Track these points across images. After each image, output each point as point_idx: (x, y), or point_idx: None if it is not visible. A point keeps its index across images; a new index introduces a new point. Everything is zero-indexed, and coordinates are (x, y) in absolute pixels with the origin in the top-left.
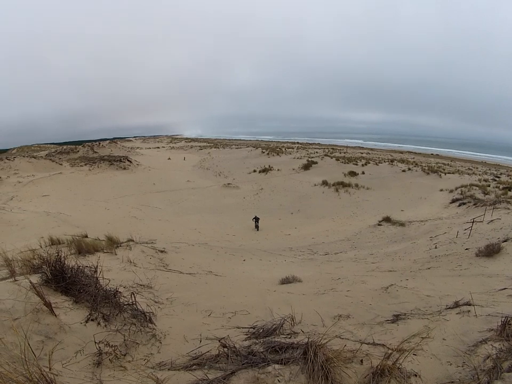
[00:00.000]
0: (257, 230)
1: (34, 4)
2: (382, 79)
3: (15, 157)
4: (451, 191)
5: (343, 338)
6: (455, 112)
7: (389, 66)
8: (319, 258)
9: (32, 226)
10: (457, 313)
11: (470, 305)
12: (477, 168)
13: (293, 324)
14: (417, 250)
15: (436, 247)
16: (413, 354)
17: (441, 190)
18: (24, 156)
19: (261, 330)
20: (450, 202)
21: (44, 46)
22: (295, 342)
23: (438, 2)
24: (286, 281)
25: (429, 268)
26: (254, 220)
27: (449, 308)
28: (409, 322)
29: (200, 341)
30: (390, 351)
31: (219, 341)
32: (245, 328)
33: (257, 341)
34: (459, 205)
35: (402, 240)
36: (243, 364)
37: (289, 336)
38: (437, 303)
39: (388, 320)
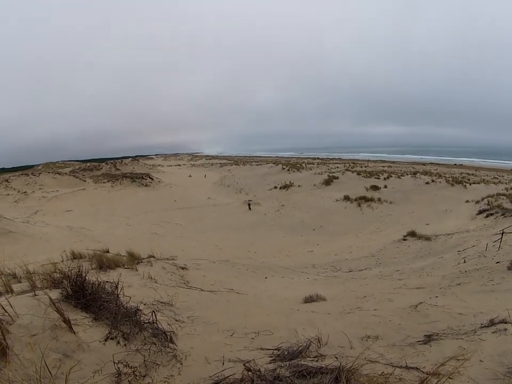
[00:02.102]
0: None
1: (61, 34)
2: (400, 92)
3: (40, 173)
4: (477, 202)
5: (373, 362)
6: (476, 120)
7: (408, 80)
8: (343, 276)
9: (54, 240)
10: (493, 332)
11: (506, 323)
12: (502, 176)
13: (319, 346)
14: (445, 265)
15: (464, 262)
16: (449, 378)
17: (467, 201)
18: (49, 172)
19: (286, 353)
20: (477, 214)
21: (71, 71)
22: (324, 366)
23: (454, 18)
24: (309, 299)
25: (459, 284)
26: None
27: (484, 327)
28: (442, 343)
29: (223, 363)
30: (425, 376)
31: (244, 364)
32: (269, 349)
33: (282, 364)
34: (486, 216)
35: (429, 255)
36: None
37: (316, 359)
38: (470, 322)
39: (420, 341)
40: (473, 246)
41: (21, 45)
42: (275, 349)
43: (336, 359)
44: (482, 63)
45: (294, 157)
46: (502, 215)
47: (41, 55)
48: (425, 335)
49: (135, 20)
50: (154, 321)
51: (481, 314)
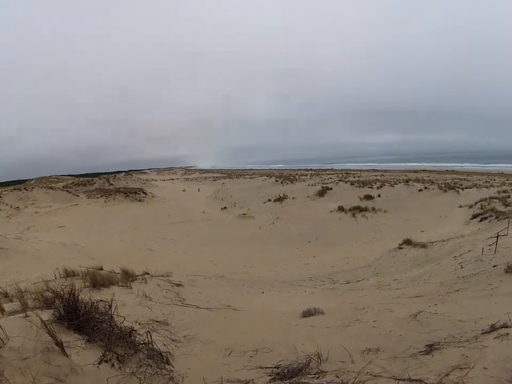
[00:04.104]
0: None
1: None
2: (390, 100)
3: (33, 188)
4: (471, 207)
5: (375, 376)
6: (467, 126)
7: (398, 88)
8: (340, 288)
9: (47, 257)
10: (495, 338)
11: (507, 327)
12: (494, 179)
13: (319, 362)
14: (443, 272)
15: (461, 267)
16: None
17: (461, 206)
18: (42, 187)
19: (286, 371)
20: (471, 218)
21: (67, 85)
22: (325, 383)
23: (445, 27)
24: (308, 313)
25: (457, 290)
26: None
27: (485, 333)
28: (445, 352)
29: None
30: None
31: None
32: (269, 368)
33: (282, 383)
34: (480, 220)
35: (425, 263)
36: None
37: (317, 376)
38: (471, 328)
39: (421, 352)
40: (469, 250)
41: (13, 62)
42: (274, 367)
43: (337, 376)
44: (470, 69)
45: (287, 169)
46: (495, 218)
47: (35, 70)
48: (426, 345)
49: (132, 33)
50: (150, 342)
51: (482, 320)
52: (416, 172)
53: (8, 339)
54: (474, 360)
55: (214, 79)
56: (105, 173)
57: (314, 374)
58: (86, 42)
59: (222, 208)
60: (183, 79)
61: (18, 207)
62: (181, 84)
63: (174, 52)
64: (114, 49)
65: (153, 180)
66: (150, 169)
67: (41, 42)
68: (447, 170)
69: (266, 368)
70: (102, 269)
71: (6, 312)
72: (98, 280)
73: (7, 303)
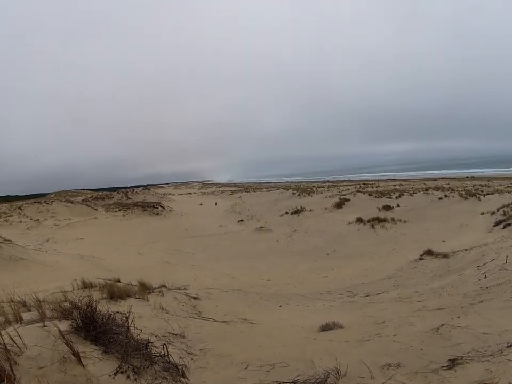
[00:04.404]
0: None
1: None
2: (406, 109)
3: (53, 201)
4: (493, 213)
5: None
6: (485, 130)
7: (412, 96)
8: (360, 301)
9: (65, 268)
10: None
11: None
12: None
13: (338, 377)
14: (466, 282)
15: (485, 277)
16: None
17: (482, 214)
18: (61, 200)
19: None
20: (494, 225)
21: (87, 103)
22: None
23: (454, 35)
24: (326, 327)
25: (481, 301)
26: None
27: (510, 346)
28: (468, 367)
29: None
30: None
31: None
32: (285, 383)
33: None
34: (504, 227)
35: (447, 273)
36: None
37: None
38: (496, 341)
39: (444, 367)
40: (493, 259)
41: (36, 79)
42: (291, 382)
43: None
44: (485, 75)
45: (304, 181)
46: None
47: (57, 88)
48: (449, 359)
49: (146, 50)
50: (166, 354)
51: (507, 333)
52: (435, 179)
53: (26, 348)
54: (499, 375)
55: (231, 93)
56: (123, 187)
57: None
58: (104, 59)
59: (239, 222)
60: (200, 95)
61: (38, 220)
62: (198, 98)
63: (190, 69)
64: (131, 66)
65: (170, 194)
66: (167, 183)
67: (60, 60)
68: (467, 177)
69: (283, 383)
70: (119, 281)
71: (24, 321)
72: (115, 292)
73: (25, 312)
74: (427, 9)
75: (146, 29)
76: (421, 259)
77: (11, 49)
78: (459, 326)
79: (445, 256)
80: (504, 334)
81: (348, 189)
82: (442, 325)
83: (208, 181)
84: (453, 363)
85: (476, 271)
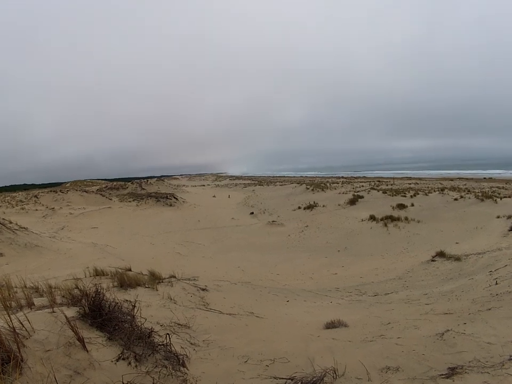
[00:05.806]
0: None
1: (99, 62)
2: (425, 105)
3: (68, 190)
4: (509, 217)
5: None
6: (505, 131)
7: (432, 92)
8: (367, 300)
9: (79, 256)
10: None
11: None
12: None
13: (334, 377)
14: (476, 287)
15: (496, 283)
16: None
17: (498, 217)
18: (76, 190)
19: (299, 383)
20: (509, 230)
21: (107, 95)
22: None
23: (478, 31)
24: (331, 325)
25: (489, 309)
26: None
27: None
28: (466, 378)
29: None
30: None
31: None
32: (282, 379)
33: None
34: None
35: (459, 277)
36: None
37: None
38: (499, 353)
39: (442, 375)
40: (506, 265)
41: (57, 71)
42: (288, 379)
43: None
44: (503, 75)
45: (319, 177)
46: None
47: (77, 81)
48: (449, 368)
49: (168, 44)
50: (168, 343)
51: (511, 344)
52: (451, 179)
53: (34, 332)
54: None
55: (247, 85)
56: (137, 178)
57: None
58: (121, 55)
59: (251, 215)
60: (216, 87)
61: (53, 208)
62: (214, 90)
63: (208, 63)
64: (147, 60)
65: (184, 185)
66: (181, 175)
67: (80, 52)
68: (484, 178)
69: (280, 378)
70: (130, 270)
71: (35, 306)
72: (125, 281)
73: (37, 298)
74: (453, 11)
75: (174, 25)
76: (432, 260)
77: (30, 42)
78: (464, 333)
79: (457, 259)
80: (508, 346)
81: (362, 186)
82: (448, 330)
83: (222, 173)
84: (452, 372)
85: (487, 276)
